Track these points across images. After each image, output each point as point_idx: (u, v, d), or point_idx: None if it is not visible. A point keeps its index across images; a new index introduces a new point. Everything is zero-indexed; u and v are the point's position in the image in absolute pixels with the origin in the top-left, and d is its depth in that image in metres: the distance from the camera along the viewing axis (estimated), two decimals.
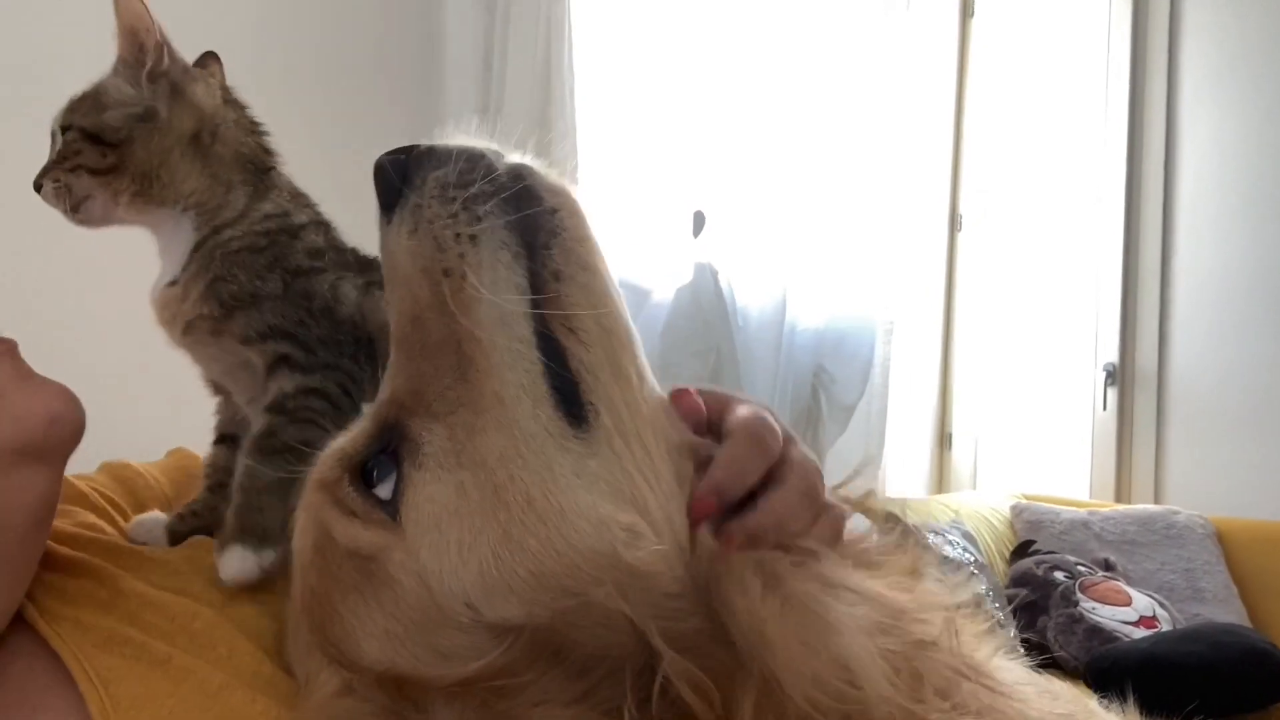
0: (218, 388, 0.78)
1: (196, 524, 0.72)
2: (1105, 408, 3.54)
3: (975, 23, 3.77)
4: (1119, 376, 3.54)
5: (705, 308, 2.57)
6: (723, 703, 0.44)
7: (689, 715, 0.44)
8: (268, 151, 0.76)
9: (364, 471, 0.52)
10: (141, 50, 0.71)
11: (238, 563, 0.64)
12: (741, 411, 0.54)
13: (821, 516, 0.53)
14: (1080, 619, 2.61)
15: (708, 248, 2.63)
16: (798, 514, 0.51)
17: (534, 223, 0.52)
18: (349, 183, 0.76)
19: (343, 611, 0.50)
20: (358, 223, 0.71)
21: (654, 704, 0.43)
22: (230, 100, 0.76)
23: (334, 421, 0.70)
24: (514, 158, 0.54)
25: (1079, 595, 2.68)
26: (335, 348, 0.71)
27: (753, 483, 0.51)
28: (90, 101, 0.71)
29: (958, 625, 0.52)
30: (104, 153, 0.70)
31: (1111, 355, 3.56)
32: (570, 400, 0.50)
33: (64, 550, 0.65)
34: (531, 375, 0.50)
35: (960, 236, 3.74)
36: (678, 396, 0.55)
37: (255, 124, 0.77)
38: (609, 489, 0.48)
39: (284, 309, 0.70)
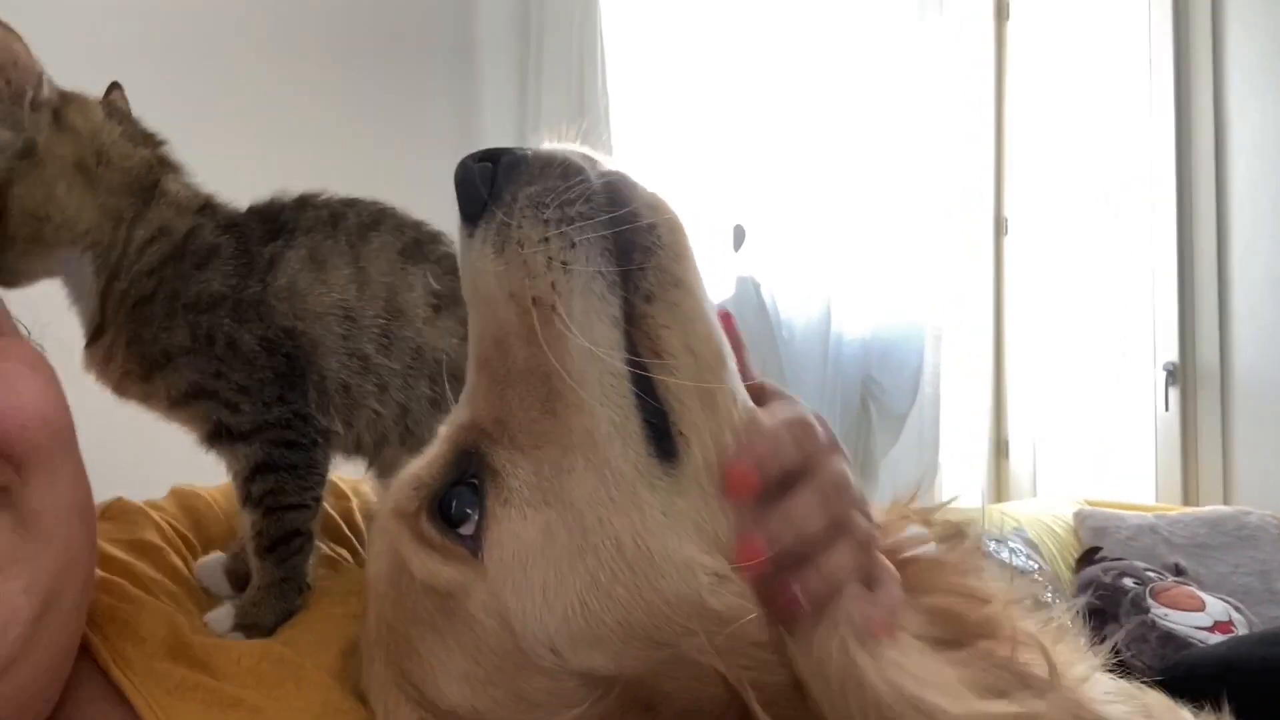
0: None
1: None
2: (1167, 408, 3.45)
3: (1011, 25, 3.73)
4: (1180, 375, 3.45)
5: (748, 321, 2.56)
6: None
7: None
8: (161, 162, 0.71)
9: (442, 502, 0.50)
10: (11, 85, 0.65)
11: (220, 618, 0.67)
12: (785, 405, 0.52)
13: (844, 534, 0.48)
14: (1152, 626, 2.53)
15: (749, 261, 2.62)
16: (812, 515, 0.47)
17: (629, 241, 0.49)
18: (383, 170, 0.74)
19: (421, 651, 0.49)
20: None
21: None
22: (114, 113, 0.70)
23: (303, 480, 0.69)
24: (609, 166, 0.51)
25: (1150, 602, 2.60)
26: (257, 392, 0.67)
27: (786, 464, 0.48)
28: None
29: (1053, 655, 0.49)
30: None
31: (1171, 354, 3.47)
32: (660, 433, 0.48)
33: (138, 592, 0.65)
34: (623, 412, 0.48)
35: (1006, 240, 3.68)
36: (721, 319, 0.52)
37: (148, 135, 0.72)
38: (695, 530, 0.46)
39: (197, 362, 0.67)
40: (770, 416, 0.50)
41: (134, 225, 0.67)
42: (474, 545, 0.48)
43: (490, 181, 0.50)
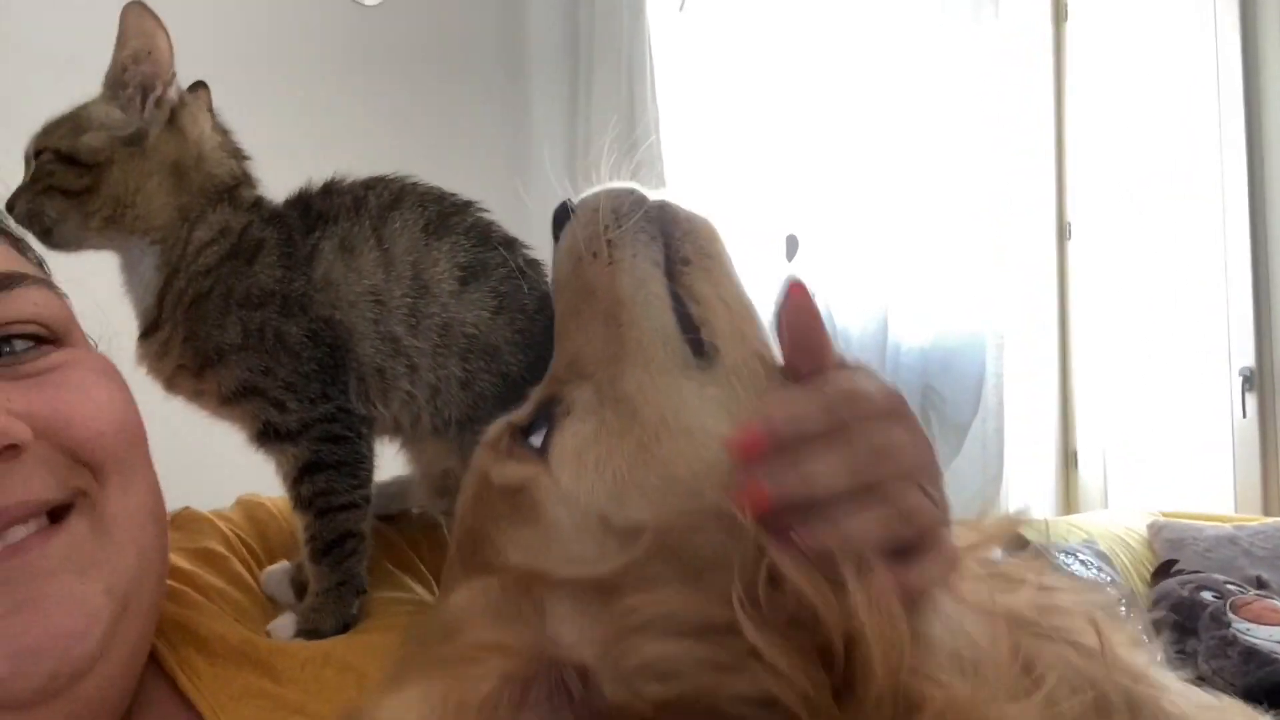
0: None
1: None
2: (1245, 414, 3.32)
3: (1070, 25, 3.66)
4: (1257, 380, 3.32)
5: None
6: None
7: (801, 608, 0.44)
8: (244, 176, 0.75)
9: (525, 434, 0.58)
10: (143, 73, 0.70)
11: (284, 625, 0.68)
12: (847, 375, 0.50)
13: (876, 501, 0.46)
14: (1233, 641, 2.45)
15: (802, 271, 2.59)
16: (831, 475, 0.45)
17: (670, 221, 0.60)
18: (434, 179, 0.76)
19: (494, 536, 0.55)
20: None
21: (761, 591, 0.45)
22: (217, 125, 0.75)
23: (352, 478, 0.70)
24: (658, 194, 0.62)
25: (1230, 616, 2.51)
26: (303, 389, 0.68)
27: (807, 430, 0.46)
28: (69, 125, 0.70)
29: (1104, 630, 0.51)
30: (79, 174, 0.68)
31: (1247, 359, 3.34)
32: (695, 345, 0.56)
33: (202, 600, 0.67)
34: (664, 321, 0.56)
35: (1070, 244, 3.59)
36: (794, 289, 0.52)
37: (238, 149, 0.76)
38: (727, 416, 0.53)
39: (248, 358, 0.68)
40: (818, 384, 0.49)
41: (195, 225, 0.70)
42: (542, 451, 0.55)
43: (568, 210, 0.62)
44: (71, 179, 0.68)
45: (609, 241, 0.59)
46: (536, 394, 0.60)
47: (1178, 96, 3.57)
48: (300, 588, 0.72)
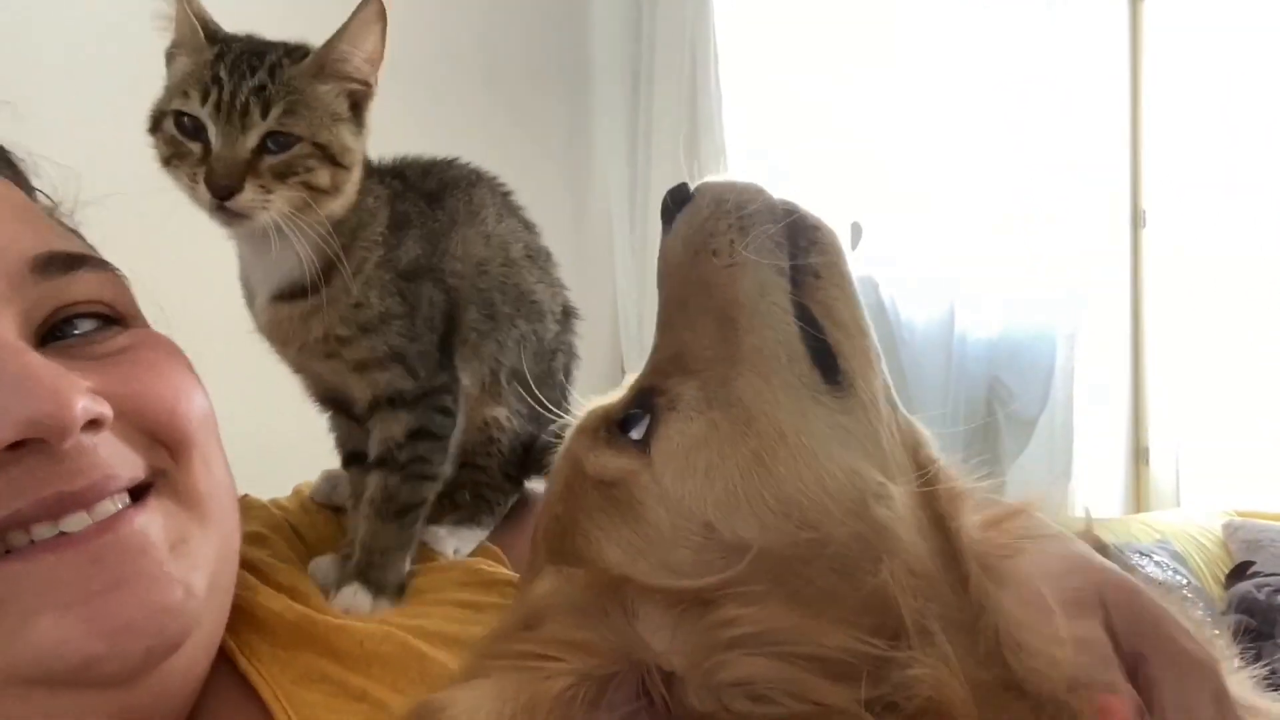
0: (325, 403, 0.77)
1: None
2: None
3: (1146, 5, 3.53)
4: None
5: None
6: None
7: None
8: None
9: (622, 425, 0.56)
10: (365, 74, 0.68)
11: (351, 599, 0.66)
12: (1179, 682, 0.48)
13: None
14: None
15: (866, 260, 2.54)
16: None
17: (797, 228, 0.56)
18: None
19: (586, 526, 0.53)
20: None
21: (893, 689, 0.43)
22: None
23: (445, 450, 0.72)
24: (782, 196, 0.59)
25: None
26: (430, 357, 0.70)
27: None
28: (306, 108, 0.66)
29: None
30: (334, 175, 0.66)
31: None
32: (826, 366, 0.53)
33: (257, 582, 0.66)
34: (788, 335, 0.53)
35: (1145, 233, 3.48)
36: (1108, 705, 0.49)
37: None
38: (860, 448, 0.51)
39: (404, 327, 0.69)
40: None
41: (364, 194, 0.71)
42: (643, 445, 0.53)
43: (687, 195, 0.59)
44: (325, 179, 0.66)
45: (732, 242, 0.55)
46: (635, 382, 0.58)
47: (1258, 80, 3.43)
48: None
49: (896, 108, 2.71)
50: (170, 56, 0.69)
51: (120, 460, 0.52)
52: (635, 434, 0.54)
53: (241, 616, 0.63)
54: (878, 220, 2.60)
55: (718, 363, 0.54)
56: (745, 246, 0.55)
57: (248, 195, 0.63)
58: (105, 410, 0.50)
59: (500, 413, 0.77)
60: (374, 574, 0.67)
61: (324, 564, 0.73)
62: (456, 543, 0.75)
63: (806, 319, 0.54)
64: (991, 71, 2.91)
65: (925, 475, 0.52)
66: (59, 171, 0.68)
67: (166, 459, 0.55)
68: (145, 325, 0.62)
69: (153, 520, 0.53)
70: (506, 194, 0.80)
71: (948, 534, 0.50)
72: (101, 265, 0.59)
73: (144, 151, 0.69)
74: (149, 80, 0.70)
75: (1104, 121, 3.28)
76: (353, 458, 0.76)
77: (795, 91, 2.57)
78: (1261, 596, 2.54)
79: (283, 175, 0.64)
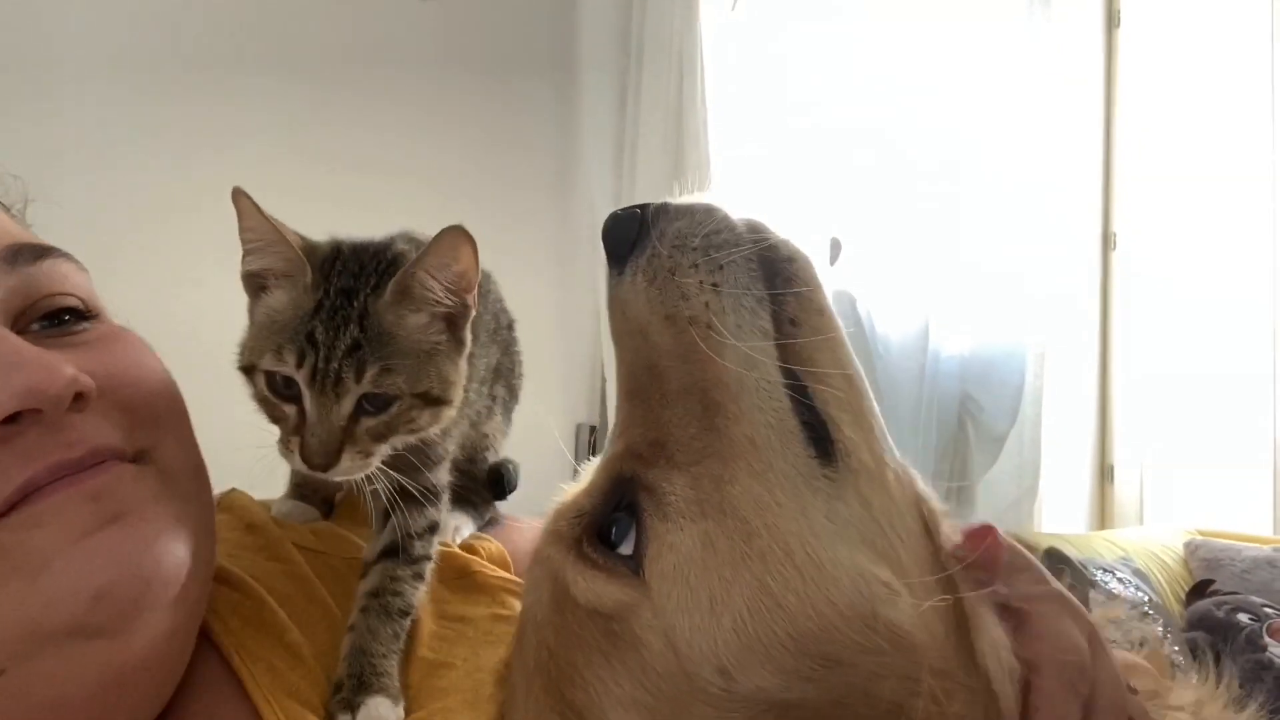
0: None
1: None
2: None
3: (1121, 32, 3.60)
4: None
5: None
6: None
7: None
8: None
9: (602, 530, 0.50)
10: (458, 294, 0.63)
11: (386, 712, 0.61)
12: (1052, 638, 0.49)
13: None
14: (1269, 665, 2.41)
15: (844, 275, 2.57)
16: None
17: (771, 269, 0.52)
18: (486, 180, 0.78)
19: (587, 676, 0.48)
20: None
21: None
22: None
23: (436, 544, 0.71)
24: (745, 214, 0.54)
25: (1267, 639, 2.48)
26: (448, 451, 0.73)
27: None
28: (418, 354, 0.62)
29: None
30: (435, 414, 0.63)
31: None
32: (818, 441, 0.49)
33: (259, 589, 0.67)
34: (780, 414, 0.49)
35: (1114, 255, 3.54)
36: (980, 533, 0.50)
37: None
38: (861, 538, 0.47)
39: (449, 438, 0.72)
40: (1040, 661, 0.48)
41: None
42: (634, 564, 0.48)
43: (636, 229, 0.53)
44: (425, 421, 0.63)
45: (707, 304, 0.50)
46: (609, 464, 0.53)
47: (1229, 107, 3.50)
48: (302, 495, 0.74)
49: (877, 124, 2.74)
50: (257, 284, 0.64)
51: (106, 432, 0.54)
52: (624, 549, 0.48)
53: (242, 621, 0.64)
54: (857, 235, 2.63)
55: (707, 458, 0.48)
56: (723, 312, 0.50)
57: (345, 464, 0.61)
58: (90, 383, 0.52)
59: (496, 426, 0.83)
60: (384, 681, 0.62)
61: (284, 502, 0.75)
62: (457, 522, 0.77)
63: (792, 380, 0.50)
64: (968, 93, 2.95)
65: (940, 564, 0.49)
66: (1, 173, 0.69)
67: (145, 439, 0.57)
68: (110, 320, 0.63)
69: (144, 473, 0.55)
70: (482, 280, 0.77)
71: (960, 613, 0.47)
72: (66, 256, 0.61)
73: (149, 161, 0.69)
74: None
75: (1077, 146, 3.34)
76: (306, 496, 0.76)
77: (778, 104, 2.59)
78: (1220, 614, 2.57)
79: (382, 436, 0.62)
